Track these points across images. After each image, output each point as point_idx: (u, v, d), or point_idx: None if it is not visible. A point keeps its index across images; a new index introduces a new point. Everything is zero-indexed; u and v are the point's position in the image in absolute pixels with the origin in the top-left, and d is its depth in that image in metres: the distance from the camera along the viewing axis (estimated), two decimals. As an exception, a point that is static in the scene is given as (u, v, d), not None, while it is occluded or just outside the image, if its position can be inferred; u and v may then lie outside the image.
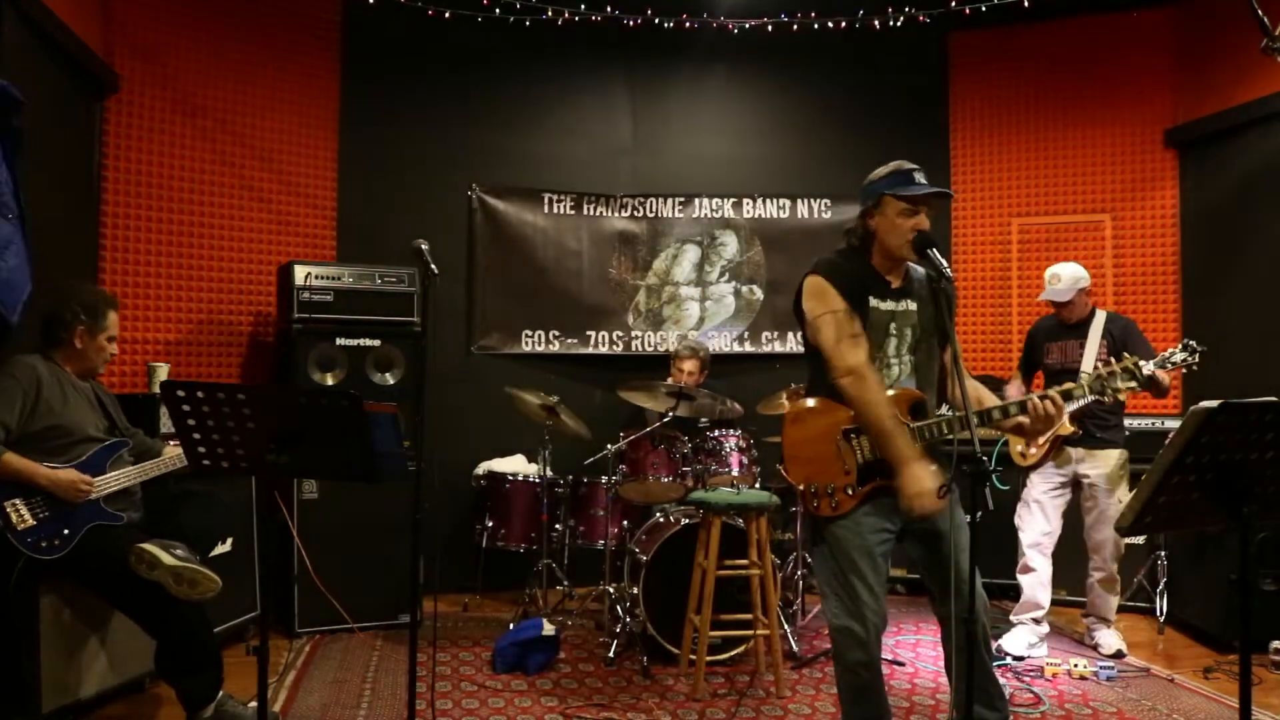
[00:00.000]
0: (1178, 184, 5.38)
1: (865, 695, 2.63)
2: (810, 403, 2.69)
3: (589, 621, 4.51)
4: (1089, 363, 4.05)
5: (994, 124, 5.71)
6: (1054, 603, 4.31)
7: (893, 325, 2.64)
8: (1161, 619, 4.49)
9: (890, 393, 2.57)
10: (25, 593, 2.98)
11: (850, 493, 2.58)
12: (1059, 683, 3.80)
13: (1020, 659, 4.04)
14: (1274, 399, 1.92)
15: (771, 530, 4.09)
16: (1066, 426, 4.06)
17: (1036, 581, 4.17)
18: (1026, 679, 3.79)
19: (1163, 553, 4.51)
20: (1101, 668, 3.86)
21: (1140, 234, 5.46)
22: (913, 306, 2.66)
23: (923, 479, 2.45)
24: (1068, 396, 2.60)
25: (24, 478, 2.94)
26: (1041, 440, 4.14)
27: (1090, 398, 3.88)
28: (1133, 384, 2.58)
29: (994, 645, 4.05)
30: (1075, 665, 3.89)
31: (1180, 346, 3.58)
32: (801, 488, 2.65)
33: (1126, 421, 4.48)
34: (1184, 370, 3.56)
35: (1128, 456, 4.13)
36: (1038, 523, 4.17)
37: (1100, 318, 4.16)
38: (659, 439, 4.23)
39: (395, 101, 5.29)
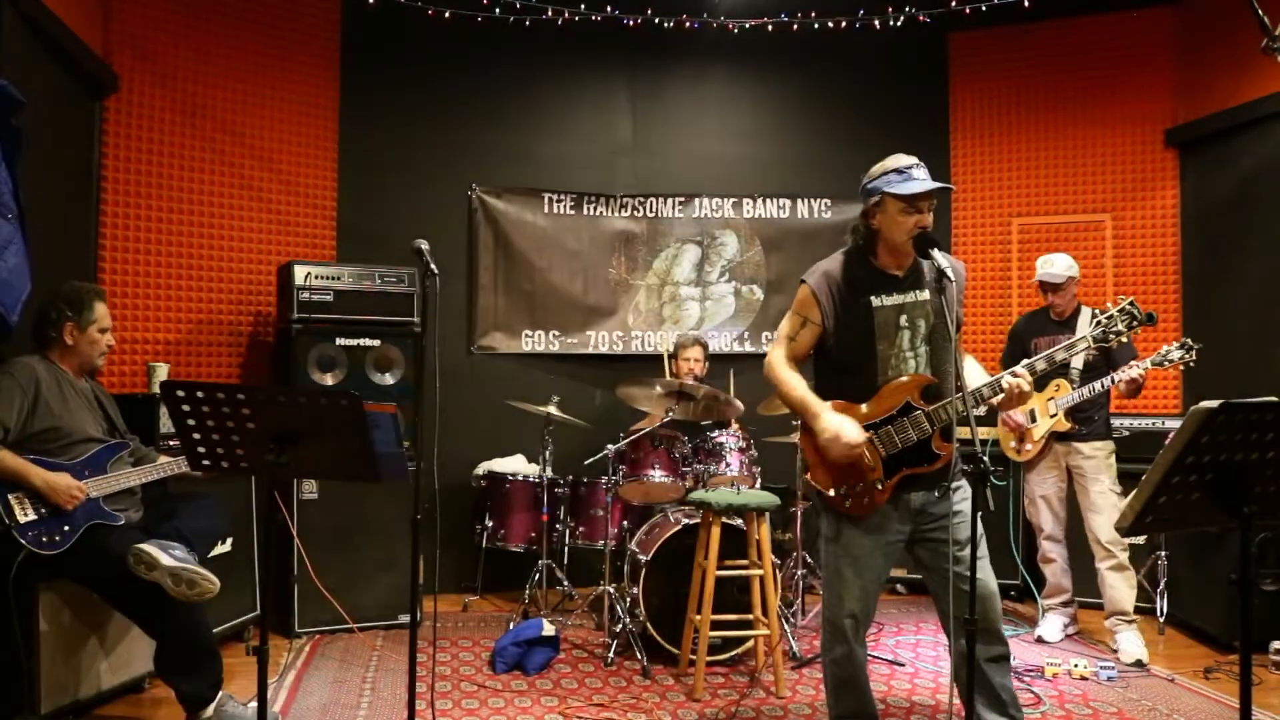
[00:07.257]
0: (1178, 184, 5.38)
1: (846, 688, 2.76)
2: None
3: (589, 621, 4.51)
4: (1079, 358, 4.15)
5: (994, 124, 5.71)
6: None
7: (903, 318, 2.64)
8: (1161, 619, 4.49)
9: (904, 379, 2.62)
10: (25, 592, 2.98)
11: (880, 487, 2.62)
12: (1059, 683, 3.79)
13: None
14: (1274, 399, 1.92)
15: (772, 530, 4.09)
16: (1063, 423, 4.19)
17: (1059, 569, 4.41)
18: (1027, 679, 3.78)
19: (1163, 553, 4.51)
20: (1102, 668, 3.86)
21: (1140, 234, 5.45)
22: (924, 295, 2.65)
23: (831, 425, 2.56)
24: (1071, 348, 2.68)
25: (19, 477, 2.94)
26: (1037, 438, 4.29)
27: (1102, 382, 4.02)
28: (1133, 324, 2.62)
29: (1034, 635, 4.38)
30: (1075, 665, 3.89)
31: (1177, 344, 3.72)
32: (831, 492, 2.66)
33: (1125, 421, 4.57)
34: (1181, 367, 3.72)
35: (1114, 448, 4.28)
36: (1046, 516, 4.40)
37: (1086, 313, 4.30)
38: (659, 439, 4.23)
39: (395, 101, 5.29)
